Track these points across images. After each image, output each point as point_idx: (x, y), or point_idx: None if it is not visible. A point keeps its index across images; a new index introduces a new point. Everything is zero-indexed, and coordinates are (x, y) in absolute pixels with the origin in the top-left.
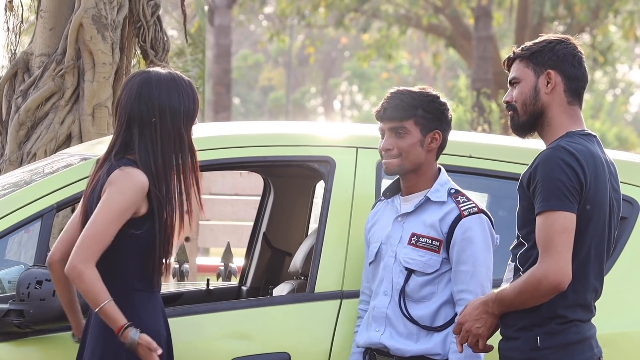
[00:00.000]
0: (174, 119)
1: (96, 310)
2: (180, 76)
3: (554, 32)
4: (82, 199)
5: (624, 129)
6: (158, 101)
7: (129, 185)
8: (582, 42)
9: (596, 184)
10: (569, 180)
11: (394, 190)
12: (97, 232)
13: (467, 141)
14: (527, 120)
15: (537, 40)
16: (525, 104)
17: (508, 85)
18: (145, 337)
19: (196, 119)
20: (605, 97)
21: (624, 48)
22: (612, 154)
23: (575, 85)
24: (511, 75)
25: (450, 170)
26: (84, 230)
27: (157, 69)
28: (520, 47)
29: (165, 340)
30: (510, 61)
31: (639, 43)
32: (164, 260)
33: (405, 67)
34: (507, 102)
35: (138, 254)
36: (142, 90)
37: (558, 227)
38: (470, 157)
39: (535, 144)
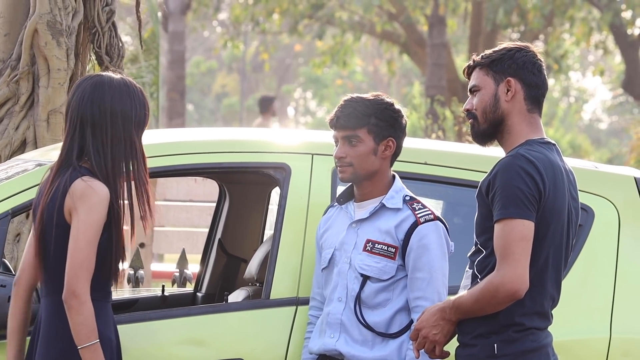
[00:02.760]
0: (125, 124)
1: (82, 346)
2: (132, 82)
3: (508, 40)
4: (36, 207)
5: (577, 136)
6: (110, 105)
7: (97, 201)
8: (537, 49)
9: (555, 193)
10: (527, 188)
11: (348, 197)
12: (85, 256)
13: (422, 148)
14: (488, 128)
15: (496, 48)
16: (485, 112)
17: (468, 93)
18: None
19: (146, 127)
20: (559, 104)
21: (577, 55)
22: (568, 162)
23: (535, 92)
24: (471, 83)
25: (406, 177)
26: (71, 256)
27: (109, 73)
28: (480, 55)
29: (115, 347)
30: (470, 69)
31: (593, 51)
32: (118, 267)
33: (359, 74)
34: (467, 110)
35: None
36: (94, 94)
37: (516, 235)
38: (426, 164)
39: (490, 151)
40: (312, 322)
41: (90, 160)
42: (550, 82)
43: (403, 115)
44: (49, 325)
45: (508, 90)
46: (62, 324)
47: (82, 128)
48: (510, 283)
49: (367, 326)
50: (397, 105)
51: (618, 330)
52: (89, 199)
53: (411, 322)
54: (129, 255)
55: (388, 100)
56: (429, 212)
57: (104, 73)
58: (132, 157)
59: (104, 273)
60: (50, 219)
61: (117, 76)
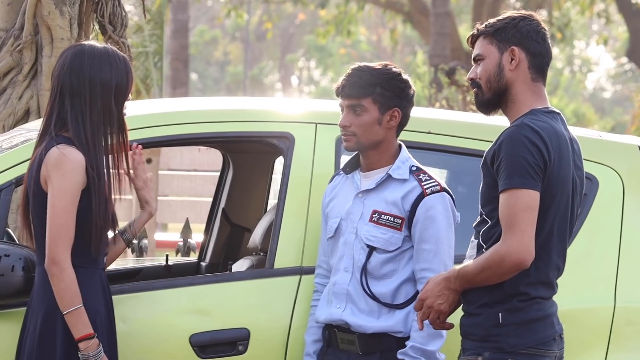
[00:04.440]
0: (104, 93)
1: (65, 312)
2: (115, 51)
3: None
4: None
5: (581, 105)
6: (89, 73)
7: (70, 168)
8: (541, 18)
9: (560, 162)
10: (532, 158)
11: (354, 166)
12: (62, 223)
13: (426, 117)
14: (492, 97)
15: (500, 17)
16: (489, 80)
17: (472, 62)
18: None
19: (129, 96)
20: (562, 73)
21: (581, 24)
22: (574, 131)
23: (539, 61)
24: (475, 52)
25: (410, 146)
26: (49, 224)
27: (92, 42)
28: (484, 24)
29: (104, 319)
30: (474, 38)
31: (599, 19)
32: (105, 235)
33: (364, 43)
34: (471, 79)
35: (75, 230)
36: (74, 62)
37: (521, 205)
38: (430, 133)
39: (495, 120)
40: (318, 289)
41: (70, 129)
42: (554, 51)
43: (410, 86)
44: (35, 293)
45: (512, 59)
46: (42, 294)
47: (62, 97)
48: (516, 253)
49: (373, 297)
50: (405, 75)
51: (622, 299)
52: (62, 166)
53: (417, 293)
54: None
55: (395, 70)
56: (436, 183)
57: (86, 42)
58: (110, 126)
59: (85, 239)
60: (30, 189)
61: (100, 45)
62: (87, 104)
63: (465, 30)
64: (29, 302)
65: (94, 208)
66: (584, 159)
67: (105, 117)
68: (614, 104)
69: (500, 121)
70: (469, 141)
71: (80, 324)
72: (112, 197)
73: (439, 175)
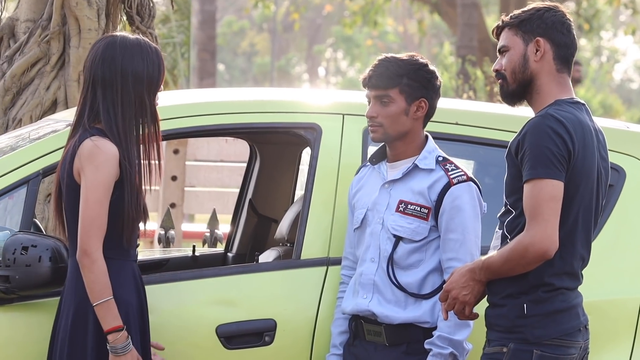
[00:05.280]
0: (136, 84)
1: (95, 303)
2: (147, 43)
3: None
4: (57, 169)
5: (608, 96)
6: (121, 64)
7: (103, 159)
8: (567, 9)
9: (584, 153)
10: (557, 148)
11: (380, 157)
12: (95, 215)
13: (453, 108)
14: (517, 89)
15: (525, 9)
16: (514, 72)
17: (497, 53)
18: (135, 353)
19: (161, 87)
20: (590, 64)
21: (608, 15)
22: (599, 122)
23: (564, 52)
24: (500, 43)
25: (437, 137)
26: (82, 215)
27: (124, 33)
28: (509, 15)
29: (136, 310)
30: (499, 29)
31: (626, 10)
32: (137, 226)
33: (391, 34)
34: (496, 71)
35: (108, 221)
36: (106, 54)
37: (545, 195)
38: (457, 124)
39: (521, 111)
40: (344, 281)
41: (102, 121)
42: (582, 42)
43: (437, 77)
44: (68, 285)
45: (537, 50)
46: (74, 286)
47: (94, 88)
48: (540, 243)
49: (400, 287)
50: (432, 66)
51: None
52: (95, 158)
53: (444, 282)
54: (158, 215)
55: (422, 60)
56: (462, 172)
57: (118, 33)
58: (142, 118)
59: (118, 231)
60: (63, 181)
61: (132, 36)
62: (118, 95)
63: (493, 22)
64: (62, 294)
65: (126, 199)
66: (611, 150)
67: (137, 108)
68: None
69: (527, 112)
70: (496, 132)
71: (109, 316)
72: (143, 188)
73: (466, 166)
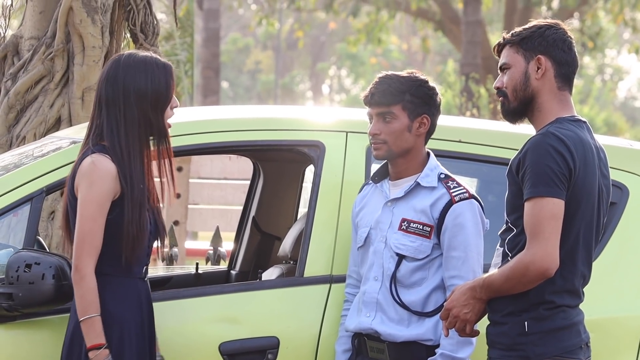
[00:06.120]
0: (139, 101)
1: (81, 319)
2: (154, 59)
3: (542, 17)
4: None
5: (612, 114)
6: (123, 83)
7: (97, 177)
8: (571, 27)
9: (585, 171)
10: (557, 166)
11: (383, 175)
12: (87, 231)
13: (456, 126)
14: (518, 106)
15: (527, 26)
16: (515, 89)
17: (498, 71)
18: None
19: (171, 104)
20: (594, 82)
21: (612, 33)
22: (602, 140)
23: (566, 70)
24: (501, 61)
25: (440, 155)
26: (75, 232)
27: (134, 51)
28: (510, 33)
29: (134, 327)
30: (500, 47)
31: (628, 28)
32: (139, 244)
33: (396, 52)
34: (497, 88)
35: (107, 238)
36: (110, 73)
37: (546, 213)
38: (460, 142)
39: (525, 129)
40: (348, 299)
41: (105, 139)
42: (586, 59)
43: (438, 93)
44: (73, 302)
45: (538, 68)
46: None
47: (100, 107)
48: (540, 261)
49: (403, 305)
50: (432, 83)
51: None
52: (90, 175)
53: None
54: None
55: (422, 77)
56: (464, 190)
57: (127, 52)
58: (147, 136)
59: (118, 248)
60: (68, 199)
61: (140, 54)
62: (121, 113)
63: (496, 39)
64: (70, 310)
65: (126, 217)
66: (614, 168)
67: (142, 126)
68: None
69: (531, 130)
70: (499, 150)
71: (92, 333)
72: (154, 204)
73: (469, 184)
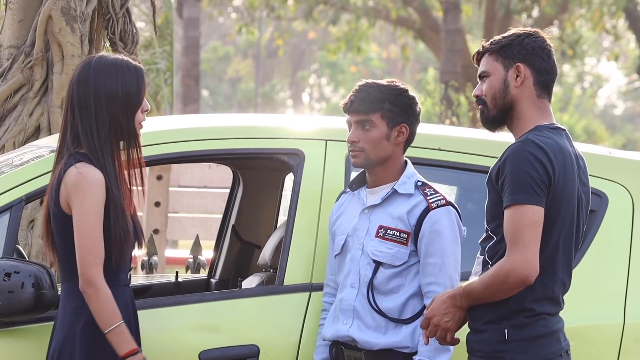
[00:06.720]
0: (110, 104)
1: (106, 331)
2: (125, 61)
3: (522, 25)
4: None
5: (592, 122)
6: (94, 85)
7: (88, 187)
8: (550, 35)
9: (564, 178)
10: (537, 174)
11: (360, 183)
12: (90, 243)
13: (436, 134)
14: (497, 114)
15: (506, 34)
16: (494, 97)
17: (478, 79)
18: None
19: (142, 107)
20: (573, 90)
21: (592, 41)
22: (582, 147)
23: (545, 78)
24: (480, 69)
25: (419, 163)
26: (78, 245)
27: (105, 54)
28: (490, 41)
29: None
30: (479, 55)
31: (609, 36)
32: (125, 249)
33: (376, 60)
34: (476, 96)
35: None
36: (81, 75)
37: (526, 221)
38: (439, 149)
39: (504, 137)
40: (326, 308)
41: (83, 144)
42: (565, 67)
43: (417, 102)
44: (59, 312)
45: (517, 76)
46: (64, 312)
47: (72, 111)
48: (520, 269)
49: (380, 312)
50: (412, 92)
51: (632, 316)
52: (80, 186)
53: (424, 307)
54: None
55: (402, 86)
56: (441, 197)
57: (97, 55)
58: (117, 139)
59: (107, 255)
60: (51, 208)
61: (110, 57)
62: (93, 116)
63: (476, 47)
64: (55, 319)
65: (112, 221)
66: (594, 176)
67: (112, 129)
68: (624, 121)
69: (510, 138)
70: (479, 158)
71: (122, 341)
72: (129, 207)
73: (448, 192)
